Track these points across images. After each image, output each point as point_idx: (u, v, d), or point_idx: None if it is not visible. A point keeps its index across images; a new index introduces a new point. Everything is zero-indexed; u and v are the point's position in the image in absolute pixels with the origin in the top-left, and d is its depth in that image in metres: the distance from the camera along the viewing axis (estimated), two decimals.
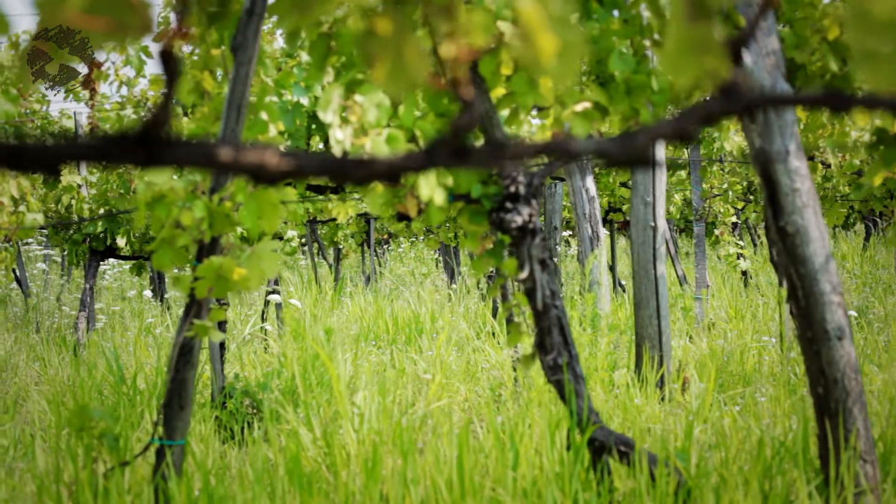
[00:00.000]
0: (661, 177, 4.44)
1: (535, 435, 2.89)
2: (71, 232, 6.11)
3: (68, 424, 2.74)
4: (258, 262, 2.66)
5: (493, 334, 5.77)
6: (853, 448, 2.63)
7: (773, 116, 2.68)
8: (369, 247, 10.21)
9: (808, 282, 2.69)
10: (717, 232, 7.26)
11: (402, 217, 2.68)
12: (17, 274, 8.40)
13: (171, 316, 7.20)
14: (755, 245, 11.78)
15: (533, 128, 4.05)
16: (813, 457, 2.83)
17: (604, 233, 6.03)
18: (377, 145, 2.39)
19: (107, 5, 0.89)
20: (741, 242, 7.73)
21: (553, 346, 2.70)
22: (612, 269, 8.29)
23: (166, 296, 7.55)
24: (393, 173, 1.00)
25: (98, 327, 6.65)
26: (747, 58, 2.66)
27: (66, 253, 6.16)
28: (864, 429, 2.66)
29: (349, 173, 1.00)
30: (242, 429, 4.19)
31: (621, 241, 13.45)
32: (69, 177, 6.19)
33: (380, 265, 12.56)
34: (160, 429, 2.75)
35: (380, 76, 1.00)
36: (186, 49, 3.07)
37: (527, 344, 2.84)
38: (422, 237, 13.50)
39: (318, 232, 9.86)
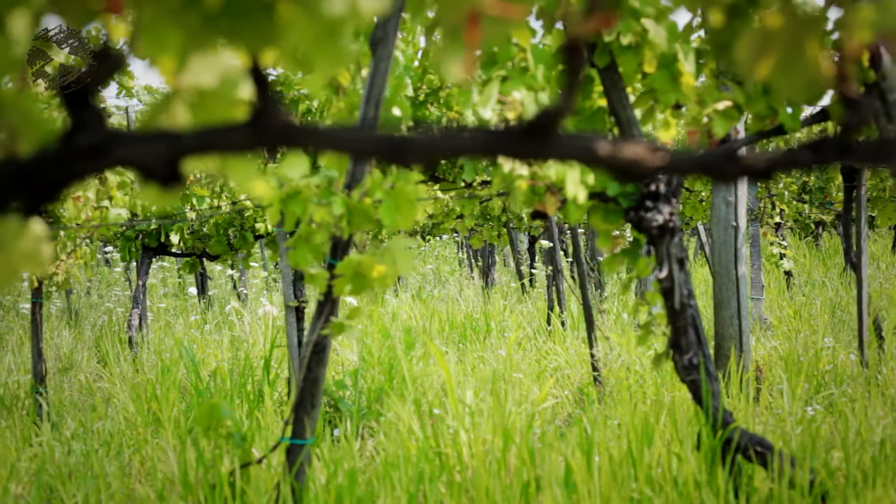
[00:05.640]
0: (743, 177, 4.42)
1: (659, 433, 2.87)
2: (124, 228, 6.06)
3: (196, 423, 2.71)
4: (392, 260, 2.64)
5: (549, 333, 5.74)
6: None
7: None
8: None
9: None
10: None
11: (538, 215, 2.66)
12: None
13: (214, 313, 7.17)
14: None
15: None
16: None
17: None
18: None
19: None
20: (784, 242, 7.73)
21: (689, 346, 2.67)
22: None
23: (209, 293, 7.53)
24: (771, 169, 0.98)
25: (147, 324, 6.60)
26: (886, 59, 2.64)
27: (117, 249, 6.12)
28: None
29: (722, 169, 0.98)
30: (323, 427, 4.16)
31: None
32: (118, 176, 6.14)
33: None
34: (289, 428, 2.72)
35: (764, 72, 0.98)
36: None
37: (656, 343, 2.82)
38: (444, 236, 13.47)
39: None
